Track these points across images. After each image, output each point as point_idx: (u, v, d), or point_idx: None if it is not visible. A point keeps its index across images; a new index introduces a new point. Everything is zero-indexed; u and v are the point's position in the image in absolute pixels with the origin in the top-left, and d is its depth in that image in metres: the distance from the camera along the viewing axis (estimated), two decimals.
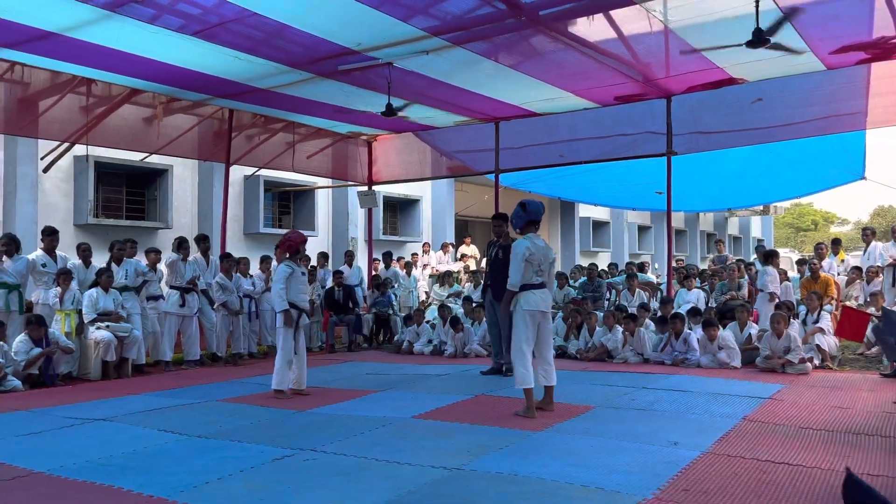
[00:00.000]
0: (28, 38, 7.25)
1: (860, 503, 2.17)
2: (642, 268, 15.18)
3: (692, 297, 10.93)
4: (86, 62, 8.09)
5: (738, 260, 14.48)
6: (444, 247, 17.03)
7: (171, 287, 9.29)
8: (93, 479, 4.08)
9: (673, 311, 9.41)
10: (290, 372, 6.86)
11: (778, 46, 7.08)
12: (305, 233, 15.09)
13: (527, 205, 5.87)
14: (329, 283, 11.61)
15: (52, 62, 8.18)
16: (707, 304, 11.08)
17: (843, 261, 12.30)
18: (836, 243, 12.76)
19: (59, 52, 7.76)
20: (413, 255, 16.11)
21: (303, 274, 7.04)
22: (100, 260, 9.24)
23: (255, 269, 10.74)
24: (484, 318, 10.36)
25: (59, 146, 9.66)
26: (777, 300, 9.39)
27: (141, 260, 9.38)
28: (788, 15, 6.70)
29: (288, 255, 6.97)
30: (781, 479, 3.91)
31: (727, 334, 8.55)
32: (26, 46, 7.57)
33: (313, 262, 12.34)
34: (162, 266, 9.41)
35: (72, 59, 7.99)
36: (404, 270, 14.40)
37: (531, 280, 5.76)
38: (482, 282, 8.88)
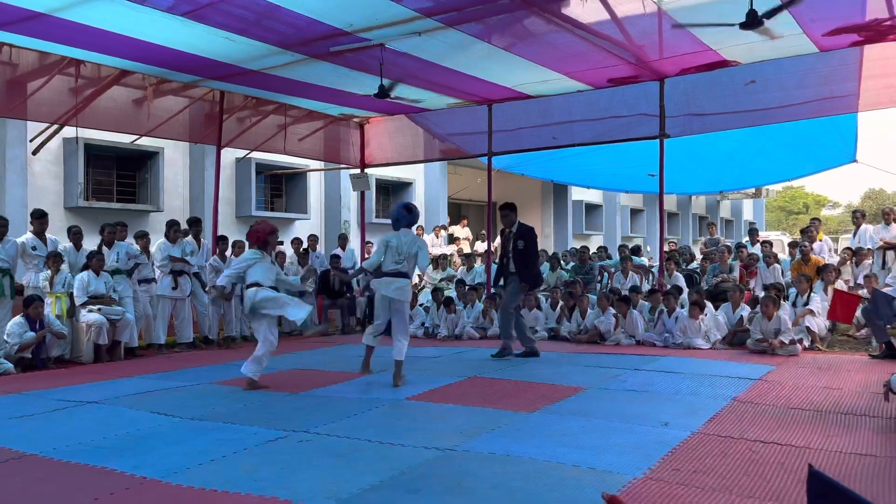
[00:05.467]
0: (16, 18, 7.15)
1: (823, 497, 2.13)
2: (637, 251, 15.17)
3: (681, 282, 10.93)
4: (74, 43, 7.99)
5: (737, 245, 14.44)
6: (435, 230, 17.01)
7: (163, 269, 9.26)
8: (86, 461, 4.10)
9: (667, 289, 9.48)
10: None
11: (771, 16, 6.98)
12: (298, 216, 15.21)
13: (413, 209, 6.44)
14: (316, 265, 11.60)
15: (40, 43, 8.06)
16: (697, 285, 11.12)
17: (820, 241, 12.28)
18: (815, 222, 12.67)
19: (48, 33, 7.66)
20: None
21: (272, 264, 6.72)
22: (91, 243, 9.20)
23: None
24: (476, 301, 10.44)
25: (48, 128, 9.55)
26: None
27: (132, 243, 9.34)
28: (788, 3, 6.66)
29: (257, 247, 6.67)
30: (770, 458, 3.96)
31: (711, 319, 8.64)
32: (14, 27, 7.46)
33: (304, 245, 12.30)
34: (152, 248, 9.38)
35: (60, 39, 7.88)
36: None
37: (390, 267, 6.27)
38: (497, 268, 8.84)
